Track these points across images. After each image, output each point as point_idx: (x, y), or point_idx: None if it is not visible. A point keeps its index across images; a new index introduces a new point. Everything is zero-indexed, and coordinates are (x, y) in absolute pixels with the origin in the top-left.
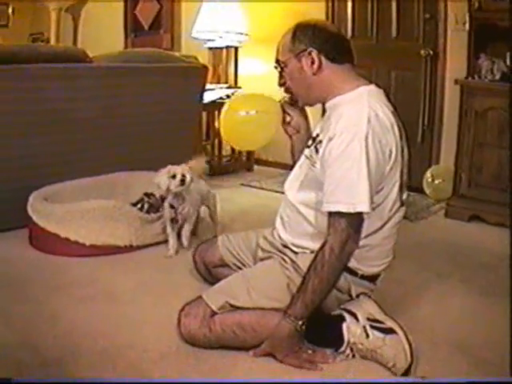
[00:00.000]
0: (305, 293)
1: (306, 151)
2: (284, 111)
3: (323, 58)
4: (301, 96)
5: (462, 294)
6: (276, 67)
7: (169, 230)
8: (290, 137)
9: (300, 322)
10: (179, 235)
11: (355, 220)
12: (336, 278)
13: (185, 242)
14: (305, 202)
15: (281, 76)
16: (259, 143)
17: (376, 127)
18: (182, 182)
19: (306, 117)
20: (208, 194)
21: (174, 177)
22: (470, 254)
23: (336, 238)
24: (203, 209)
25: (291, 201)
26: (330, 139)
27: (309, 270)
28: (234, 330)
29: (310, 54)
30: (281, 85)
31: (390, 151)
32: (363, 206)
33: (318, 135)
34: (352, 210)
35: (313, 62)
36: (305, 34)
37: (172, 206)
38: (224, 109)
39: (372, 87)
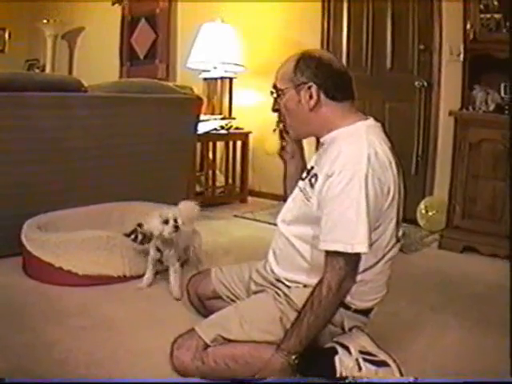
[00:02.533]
0: (300, 328)
1: (301, 183)
2: (281, 136)
3: (322, 95)
4: (293, 128)
5: (455, 326)
6: (272, 92)
7: (149, 265)
8: (285, 162)
9: (293, 357)
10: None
11: (353, 259)
12: (332, 314)
13: (175, 291)
14: (299, 236)
15: (275, 102)
16: None
17: (375, 166)
18: (176, 228)
19: (300, 143)
20: (194, 234)
21: (166, 222)
22: (463, 285)
23: (334, 276)
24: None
25: (284, 234)
26: (329, 176)
27: (305, 306)
28: (226, 363)
29: (309, 88)
30: (274, 110)
31: (388, 189)
32: (362, 247)
33: (312, 168)
34: (350, 251)
35: (311, 97)
36: (308, 66)
37: (158, 249)
38: None
39: (370, 122)
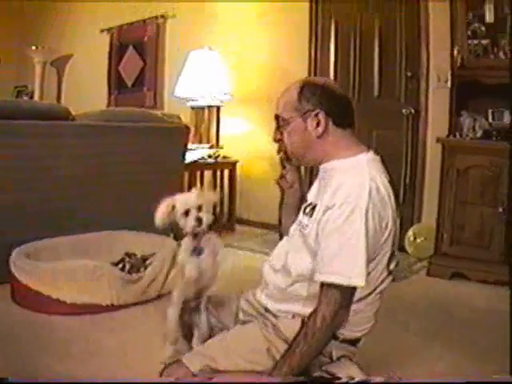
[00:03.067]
0: (292, 358)
1: (300, 216)
2: (282, 165)
3: (330, 122)
4: (297, 155)
5: (445, 353)
6: (276, 122)
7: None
8: (283, 191)
9: (288, 379)
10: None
11: (349, 292)
12: (325, 344)
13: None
14: (290, 267)
15: (277, 131)
16: None
17: (376, 200)
18: (199, 220)
19: (300, 173)
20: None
21: (186, 213)
22: (452, 311)
23: (329, 307)
24: None
25: (277, 265)
26: (329, 208)
27: (297, 336)
28: None
29: (317, 115)
30: (276, 140)
31: (387, 223)
32: (359, 280)
33: (311, 202)
34: (347, 283)
35: (318, 125)
36: (313, 94)
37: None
38: None
39: (370, 155)
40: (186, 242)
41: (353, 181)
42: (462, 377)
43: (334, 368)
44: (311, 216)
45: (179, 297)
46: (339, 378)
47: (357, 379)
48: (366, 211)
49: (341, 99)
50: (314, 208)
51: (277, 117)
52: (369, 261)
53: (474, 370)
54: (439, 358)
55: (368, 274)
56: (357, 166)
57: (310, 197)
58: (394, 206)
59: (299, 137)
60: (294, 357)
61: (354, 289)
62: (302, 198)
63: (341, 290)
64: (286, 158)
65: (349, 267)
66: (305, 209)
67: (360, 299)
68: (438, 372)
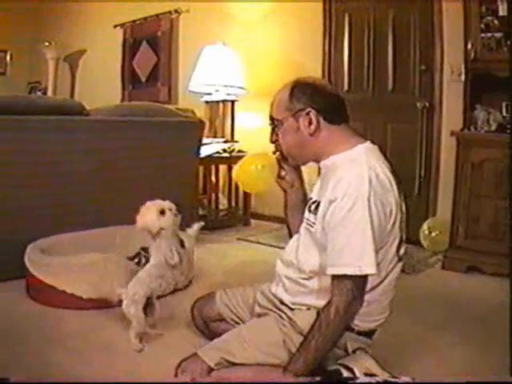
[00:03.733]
0: (307, 351)
1: (306, 214)
2: (279, 166)
3: (321, 119)
4: (292, 155)
5: (459, 347)
6: (270, 124)
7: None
8: (285, 191)
9: (300, 379)
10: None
11: (361, 281)
12: (339, 336)
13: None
14: (302, 265)
15: (273, 132)
16: (262, 188)
17: (377, 188)
18: (176, 215)
19: (300, 172)
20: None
21: (162, 212)
22: (467, 305)
23: (342, 299)
24: None
25: (291, 261)
26: (331, 202)
27: (312, 328)
28: None
29: (308, 114)
30: (273, 142)
31: (391, 210)
32: (370, 269)
33: (312, 199)
34: (359, 273)
35: (310, 123)
36: (303, 93)
37: (182, 244)
38: (238, 163)
39: (368, 144)
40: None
41: (352, 172)
42: (472, 369)
43: (350, 361)
44: (316, 213)
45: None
46: (353, 378)
47: (377, 379)
48: (368, 200)
49: (331, 96)
50: (318, 205)
51: (271, 118)
52: (377, 249)
53: (486, 364)
54: (452, 351)
55: (379, 262)
56: (355, 157)
57: (314, 194)
58: (397, 193)
59: (293, 136)
60: (309, 349)
61: (365, 278)
62: (305, 197)
63: (352, 280)
64: (282, 158)
65: (358, 257)
66: (309, 207)
67: (372, 288)
68: (451, 364)
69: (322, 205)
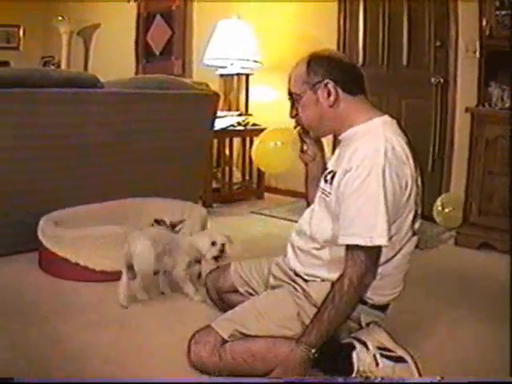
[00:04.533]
0: (320, 322)
1: (322, 184)
2: (301, 140)
3: (340, 90)
4: (313, 128)
5: (472, 323)
6: (289, 99)
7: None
8: (306, 165)
9: (313, 350)
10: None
11: (374, 253)
12: (353, 308)
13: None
14: (315, 234)
15: (293, 107)
16: (283, 167)
17: (392, 160)
18: (222, 252)
19: (321, 144)
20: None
21: (213, 244)
22: (479, 281)
23: (355, 270)
24: None
25: (305, 231)
26: (346, 172)
27: (326, 300)
28: (244, 358)
29: (326, 85)
30: (293, 116)
31: (406, 183)
32: (381, 240)
33: (333, 172)
34: (370, 244)
35: (329, 94)
36: (320, 65)
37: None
38: (256, 141)
39: (386, 118)
40: None
41: (368, 144)
42: (482, 344)
43: (363, 335)
44: (332, 183)
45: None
46: (368, 378)
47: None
48: (383, 171)
49: (348, 67)
50: (334, 175)
51: (290, 93)
52: (391, 221)
53: (495, 340)
54: (464, 326)
55: (392, 235)
56: (372, 129)
57: (331, 165)
58: (413, 166)
59: (313, 109)
60: (323, 321)
61: (378, 249)
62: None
63: (365, 250)
64: (304, 132)
65: (370, 227)
66: (325, 176)
67: (386, 261)
68: (463, 339)
69: (337, 175)
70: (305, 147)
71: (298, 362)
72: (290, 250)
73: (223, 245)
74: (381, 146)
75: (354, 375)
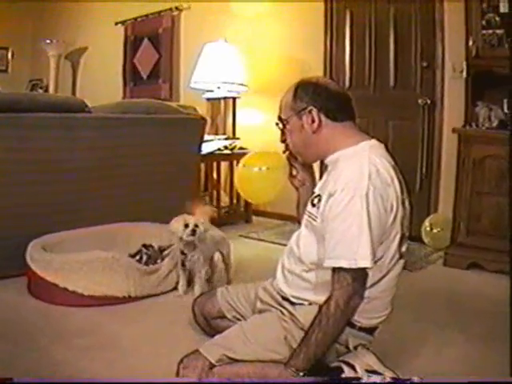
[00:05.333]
0: (308, 346)
1: (309, 207)
2: (290, 165)
3: (323, 117)
4: (300, 153)
5: (461, 343)
6: (277, 124)
7: (180, 271)
8: (297, 189)
9: (301, 374)
10: (190, 282)
11: (359, 275)
12: (340, 331)
13: (196, 292)
14: (302, 256)
15: (282, 133)
16: (270, 196)
17: (377, 183)
18: (193, 232)
19: (311, 170)
20: (222, 240)
21: (186, 226)
22: (468, 302)
23: (342, 292)
24: (217, 255)
25: (294, 253)
26: (331, 195)
27: (313, 323)
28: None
29: (310, 112)
30: (283, 141)
31: (391, 205)
32: (365, 262)
33: (319, 196)
34: (354, 266)
35: (313, 121)
36: (306, 93)
37: (182, 253)
38: (239, 166)
39: (373, 142)
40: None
41: (353, 167)
42: (473, 365)
43: (351, 358)
44: (318, 207)
45: None
46: (357, 378)
47: (385, 379)
48: (367, 194)
49: (334, 94)
50: (320, 199)
51: (279, 118)
52: (377, 243)
53: (487, 360)
54: (453, 347)
55: (379, 258)
56: (357, 152)
57: (317, 189)
58: (399, 189)
59: (298, 134)
60: (310, 344)
61: (364, 272)
62: None
63: (351, 273)
64: (292, 157)
65: (354, 249)
66: (312, 200)
67: (373, 284)
68: (452, 360)
69: (323, 198)
70: (294, 172)
71: None
72: (279, 271)
73: (196, 225)
74: (365, 168)
75: None
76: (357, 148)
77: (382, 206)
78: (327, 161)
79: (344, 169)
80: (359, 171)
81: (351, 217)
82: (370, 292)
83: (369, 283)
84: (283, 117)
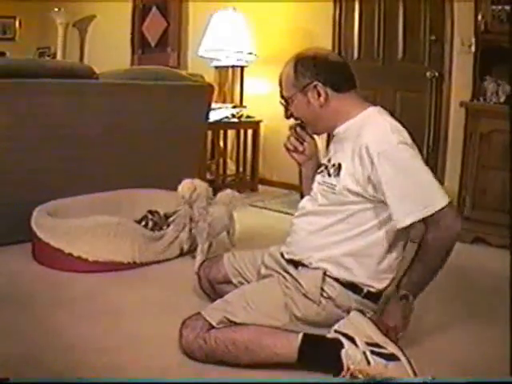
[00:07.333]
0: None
1: (319, 178)
2: (298, 140)
3: (329, 90)
4: (309, 125)
5: (464, 317)
6: (281, 102)
7: (199, 247)
8: (299, 164)
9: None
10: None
11: (450, 211)
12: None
13: (196, 263)
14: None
15: (286, 109)
16: None
17: (400, 133)
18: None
19: (315, 142)
20: (230, 219)
21: (195, 189)
22: (472, 276)
23: (444, 234)
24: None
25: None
26: (360, 158)
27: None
28: (226, 345)
29: (315, 87)
30: (288, 117)
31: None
32: (441, 202)
33: (330, 160)
34: (447, 202)
35: (319, 95)
36: (307, 68)
37: (191, 219)
38: None
39: (380, 108)
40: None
41: (372, 129)
42: (478, 340)
43: (349, 328)
44: (338, 175)
45: None
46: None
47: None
48: (399, 143)
49: (335, 65)
50: (339, 167)
51: (282, 96)
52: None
53: (488, 334)
54: (457, 321)
55: None
56: (369, 116)
57: (330, 159)
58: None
59: (305, 110)
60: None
61: (449, 206)
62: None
63: (447, 209)
64: (302, 129)
65: (431, 193)
66: (329, 171)
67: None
68: (455, 335)
69: (344, 166)
70: (300, 148)
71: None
72: (291, 233)
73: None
74: (384, 126)
75: (344, 373)
76: (366, 113)
77: (415, 147)
78: (337, 131)
79: (363, 133)
80: (381, 130)
81: (410, 169)
82: (397, 249)
83: (403, 240)
84: (286, 94)
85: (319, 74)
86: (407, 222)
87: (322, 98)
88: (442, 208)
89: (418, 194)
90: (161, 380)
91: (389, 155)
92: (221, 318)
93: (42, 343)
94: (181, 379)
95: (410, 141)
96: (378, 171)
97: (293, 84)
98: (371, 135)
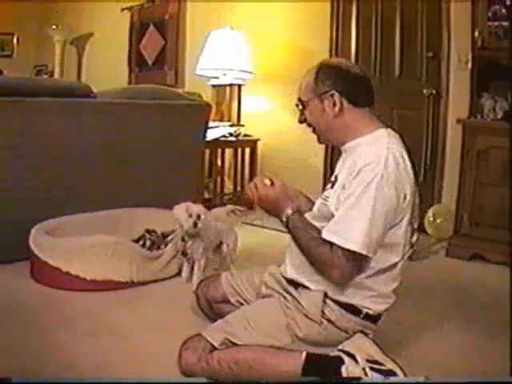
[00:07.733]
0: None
1: (326, 192)
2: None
3: (345, 102)
4: (321, 134)
5: (462, 334)
6: (297, 105)
7: (183, 259)
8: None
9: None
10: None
11: (351, 257)
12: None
13: (194, 281)
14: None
15: (301, 113)
16: None
17: (392, 169)
18: (195, 224)
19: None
20: (229, 232)
21: (190, 216)
22: (470, 292)
23: (335, 260)
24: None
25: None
26: (349, 175)
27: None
28: (230, 366)
29: (332, 96)
30: (301, 122)
31: (405, 194)
32: (355, 246)
33: (336, 177)
34: (343, 245)
35: (334, 105)
36: (328, 76)
37: (183, 239)
38: None
39: (390, 130)
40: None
41: (371, 151)
42: (474, 356)
43: (351, 346)
44: (332, 187)
45: None
46: (359, 379)
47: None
48: (381, 179)
49: (355, 79)
50: (335, 180)
51: (299, 99)
52: (378, 231)
53: (490, 350)
54: (454, 338)
55: (397, 243)
56: (376, 139)
57: (336, 171)
58: (413, 178)
59: (318, 117)
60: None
61: (356, 256)
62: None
63: (343, 252)
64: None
65: (347, 230)
66: (332, 184)
67: (392, 266)
68: (454, 351)
69: (339, 179)
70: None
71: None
72: (287, 255)
73: (198, 216)
74: (382, 154)
75: None
76: (374, 135)
77: (395, 193)
78: (345, 147)
79: (361, 154)
80: (376, 157)
81: (358, 199)
82: (386, 275)
83: (386, 265)
84: (303, 98)
85: (338, 84)
86: (326, 237)
87: (336, 108)
88: (349, 250)
89: (354, 226)
90: (159, 380)
91: (364, 182)
92: (222, 339)
93: (42, 361)
94: (178, 379)
95: (395, 177)
96: (347, 188)
97: (311, 89)
98: (364, 162)
